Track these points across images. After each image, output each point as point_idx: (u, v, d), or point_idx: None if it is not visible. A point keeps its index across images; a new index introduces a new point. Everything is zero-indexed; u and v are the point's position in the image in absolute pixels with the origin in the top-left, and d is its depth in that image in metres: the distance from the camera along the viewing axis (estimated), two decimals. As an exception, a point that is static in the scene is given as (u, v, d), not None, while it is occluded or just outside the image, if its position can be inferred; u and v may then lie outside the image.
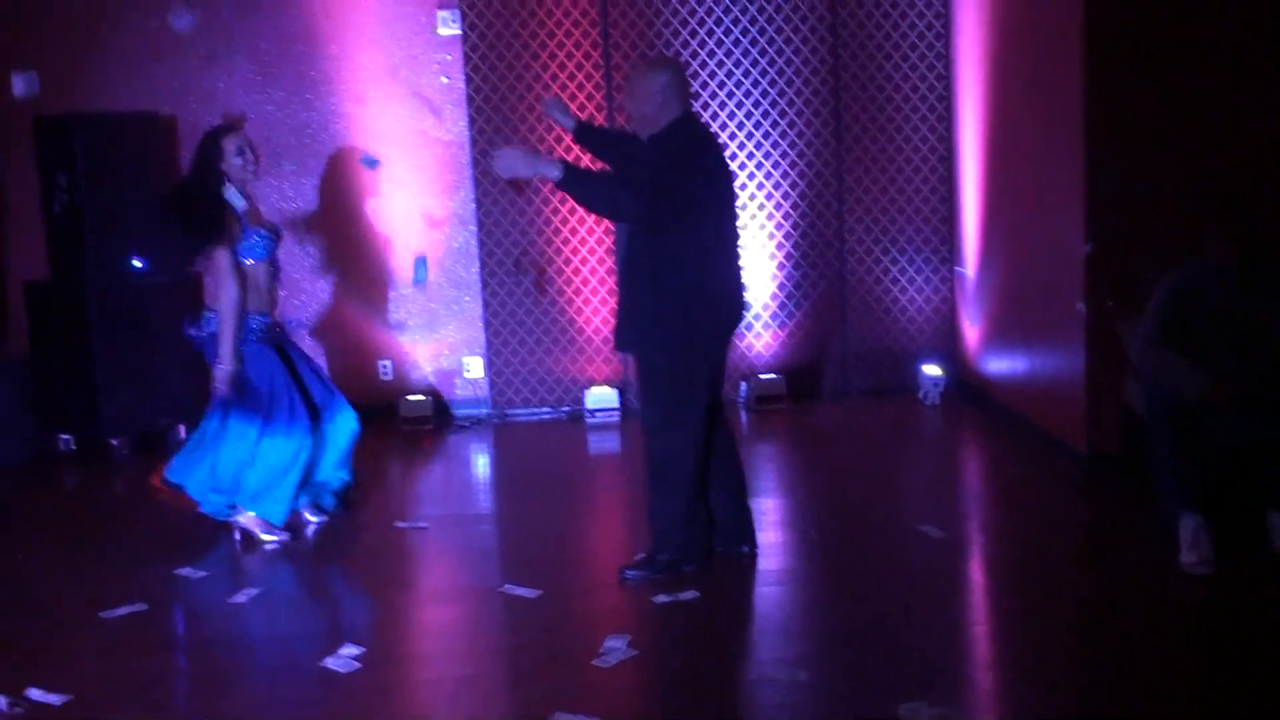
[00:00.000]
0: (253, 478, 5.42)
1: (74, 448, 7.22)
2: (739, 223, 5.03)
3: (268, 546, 5.42)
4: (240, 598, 4.84)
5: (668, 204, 4.52)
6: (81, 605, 4.80)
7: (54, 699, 3.96)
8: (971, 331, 7.62)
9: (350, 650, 4.23)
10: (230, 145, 5.34)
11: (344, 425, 5.71)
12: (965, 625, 4.46)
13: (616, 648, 4.16)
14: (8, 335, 7.66)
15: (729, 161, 5.02)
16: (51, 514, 6.34)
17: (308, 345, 7.80)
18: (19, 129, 7.40)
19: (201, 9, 7.59)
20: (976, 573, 5.00)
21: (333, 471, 5.73)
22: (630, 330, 4.73)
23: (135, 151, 7.19)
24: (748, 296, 7.70)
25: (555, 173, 4.52)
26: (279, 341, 5.55)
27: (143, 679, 4.15)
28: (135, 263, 7.12)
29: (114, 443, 7.10)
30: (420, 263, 5.60)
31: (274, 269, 5.50)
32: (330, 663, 4.15)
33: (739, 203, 7.66)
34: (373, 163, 5.88)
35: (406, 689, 4.02)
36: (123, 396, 7.10)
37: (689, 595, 4.61)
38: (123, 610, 4.73)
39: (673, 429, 4.70)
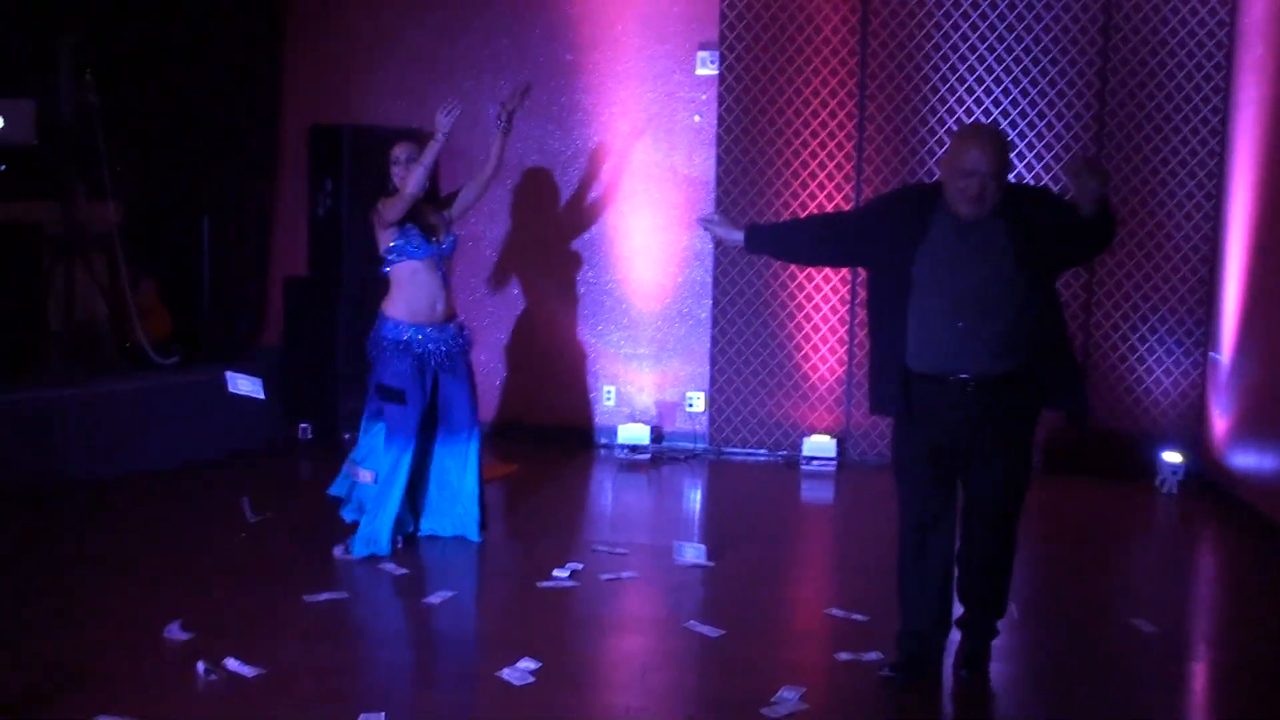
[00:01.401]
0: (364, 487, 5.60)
1: (310, 437, 7.62)
2: None
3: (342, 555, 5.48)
4: (434, 599, 4.99)
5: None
6: (289, 587, 5.04)
7: (248, 671, 4.16)
8: (1220, 421, 7.18)
9: (528, 664, 4.29)
10: (395, 152, 5.48)
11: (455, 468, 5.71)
12: (1164, 728, 4.20)
13: (789, 699, 4.09)
14: (266, 325, 8.14)
15: None
16: (280, 499, 6.68)
17: (535, 365, 8.02)
18: (295, 135, 7.91)
19: (476, 32, 7.95)
20: (1186, 675, 4.69)
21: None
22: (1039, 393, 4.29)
23: (399, 164, 7.56)
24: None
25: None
26: (428, 359, 5.51)
27: (330, 665, 4.32)
28: (385, 269, 7.45)
29: (346, 436, 7.44)
30: None
31: (434, 273, 5.48)
32: (507, 674, 4.23)
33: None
34: None
35: (572, 712, 4.04)
36: (359, 394, 7.43)
37: (872, 656, 4.49)
38: (325, 596, 4.95)
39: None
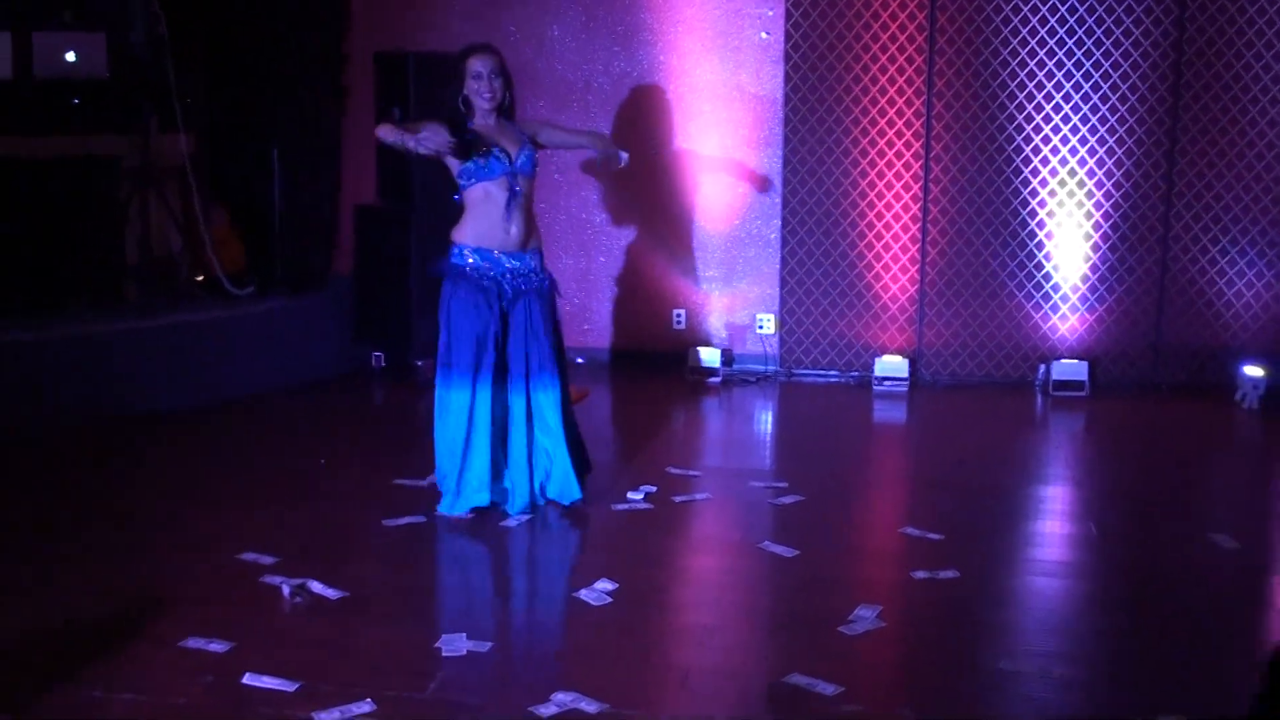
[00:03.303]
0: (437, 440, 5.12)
1: (383, 365, 7.69)
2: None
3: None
4: (511, 521, 5.04)
5: None
6: (369, 511, 5.12)
7: (331, 593, 4.24)
8: (1304, 334, 7.03)
9: (605, 585, 4.33)
10: (475, 65, 4.99)
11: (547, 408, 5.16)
12: (1245, 646, 4.15)
13: (866, 617, 4.10)
14: (337, 253, 8.20)
15: None
16: (356, 426, 6.78)
17: (604, 289, 8.01)
18: (361, 64, 7.90)
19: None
20: (1268, 591, 4.63)
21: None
22: None
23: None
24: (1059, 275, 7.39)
25: None
26: (499, 288, 5.04)
27: (412, 586, 4.40)
28: (456, 196, 7.45)
29: (419, 364, 7.51)
30: None
31: (508, 195, 4.99)
32: (584, 594, 4.27)
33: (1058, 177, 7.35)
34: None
35: (651, 631, 4.09)
36: (432, 322, 7.47)
37: (949, 574, 4.48)
38: (404, 520, 5.02)
39: None
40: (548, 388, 5.14)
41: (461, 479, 5.06)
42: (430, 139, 4.81)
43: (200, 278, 7.55)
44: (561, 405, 5.18)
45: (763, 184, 7.73)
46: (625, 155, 5.35)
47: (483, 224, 5.02)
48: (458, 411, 5.03)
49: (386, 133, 4.90)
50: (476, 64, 5.01)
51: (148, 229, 7.02)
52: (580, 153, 7.58)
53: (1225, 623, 4.21)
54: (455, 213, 5.25)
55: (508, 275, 5.06)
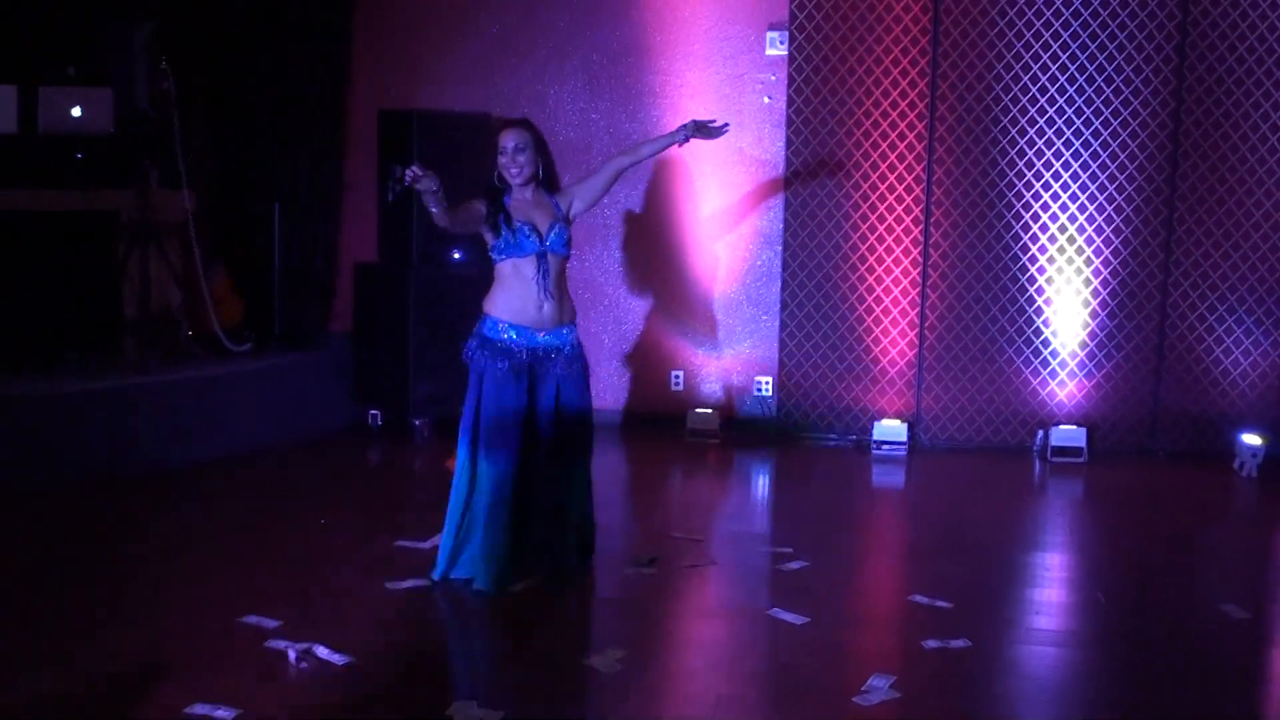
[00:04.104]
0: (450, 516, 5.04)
1: (380, 423, 7.64)
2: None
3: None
4: (516, 587, 4.98)
5: None
6: (371, 573, 5.06)
7: (337, 659, 4.17)
8: (1302, 403, 7.06)
9: (615, 652, 4.28)
10: (503, 142, 5.00)
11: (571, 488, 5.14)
12: (1260, 717, 4.12)
13: (879, 687, 4.05)
14: (335, 310, 8.18)
15: None
16: (355, 486, 6.72)
17: (602, 349, 7.99)
18: (362, 122, 7.93)
19: (543, 15, 7.92)
20: (1281, 663, 4.62)
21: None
22: None
23: (467, 149, 7.54)
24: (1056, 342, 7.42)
25: None
26: (532, 364, 4.95)
27: (418, 652, 4.34)
28: (455, 254, 7.47)
29: (417, 423, 7.47)
30: None
31: (539, 271, 4.91)
32: (595, 661, 4.22)
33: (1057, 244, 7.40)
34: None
35: (664, 698, 4.04)
36: (430, 380, 7.46)
37: (960, 643, 4.45)
38: (406, 584, 4.95)
39: None
40: (580, 459, 5.12)
41: (489, 553, 4.94)
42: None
43: (191, 333, 7.50)
44: (589, 477, 5.18)
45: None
46: (684, 133, 5.23)
47: (514, 300, 4.95)
48: (486, 486, 4.92)
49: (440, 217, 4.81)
50: (503, 139, 5.02)
51: (147, 284, 6.99)
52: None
53: (1238, 694, 4.18)
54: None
55: (541, 351, 4.96)
